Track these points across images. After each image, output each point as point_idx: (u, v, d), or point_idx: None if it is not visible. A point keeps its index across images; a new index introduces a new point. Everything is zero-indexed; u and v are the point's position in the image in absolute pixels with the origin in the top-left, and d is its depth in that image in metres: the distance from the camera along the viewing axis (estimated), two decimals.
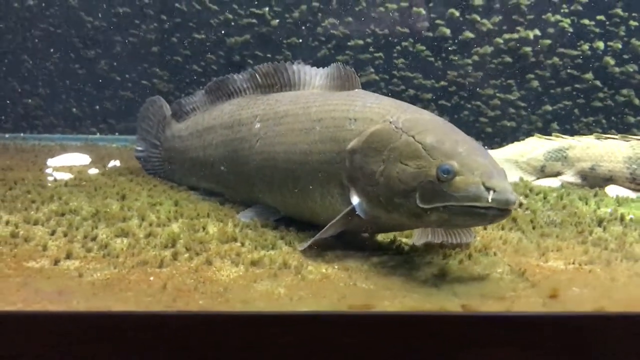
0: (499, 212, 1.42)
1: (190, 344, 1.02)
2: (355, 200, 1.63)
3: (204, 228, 1.86)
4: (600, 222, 2.14)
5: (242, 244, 1.72)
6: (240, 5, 4.14)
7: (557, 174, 3.02)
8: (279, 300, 1.30)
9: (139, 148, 2.82)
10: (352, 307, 1.25)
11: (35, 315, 0.98)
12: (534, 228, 2.03)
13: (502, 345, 1.15)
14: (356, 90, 1.92)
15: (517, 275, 1.54)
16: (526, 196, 2.60)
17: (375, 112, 1.69)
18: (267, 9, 4.14)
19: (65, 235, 1.72)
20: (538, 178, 3.06)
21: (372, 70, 4.18)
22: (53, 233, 1.73)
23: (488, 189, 1.41)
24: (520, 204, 2.41)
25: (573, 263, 1.67)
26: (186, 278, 1.41)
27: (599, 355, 1.08)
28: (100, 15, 4.16)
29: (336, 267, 1.56)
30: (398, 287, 1.42)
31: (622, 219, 2.21)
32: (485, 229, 2.03)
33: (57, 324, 0.96)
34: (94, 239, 1.69)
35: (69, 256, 1.52)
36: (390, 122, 1.62)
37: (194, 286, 1.35)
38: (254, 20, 4.16)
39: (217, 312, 1.06)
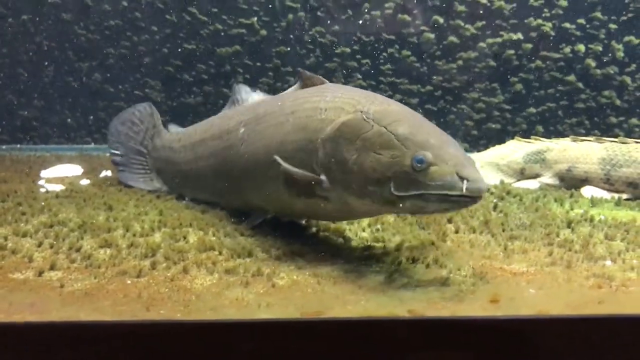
0: (471, 199, 1.53)
1: (158, 351, 1.10)
2: (328, 184, 1.71)
3: (184, 237, 1.94)
4: (569, 224, 2.22)
5: (220, 253, 1.80)
6: (229, 15, 4.23)
7: (536, 175, 3.10)
8: (247, 307, 1.38)
9: (117, 152, 2.77)
10: (316, 313, 1.33)
11: (14, 326, 1.07)
12: (503, 231, 2.11)
13: (453, 348, 1.23)
14: (327, 83, 2.01)
15: (478, 278, 1.63)
16: (502, 199, 2.68)
17: (345, 102, 1.77)
18: (255, 19, 4.22)
19: (51, 246, 1.80)
20: (518, 180, 3.14)
21: (360, 76, 4.27)
22: (40, 245, 1.82)
23: (462, 178, 1.51)
24: (495, 206, 2.49)
25: (535, 265, 1.75)
26: (161, 287, 1.49)
27: (540, 357, 1.16)
28: (92, 28, 4.26)
29: (307, 273, 1.64)
30: (363, 292, 1.50)
31: (591, 220, 2.29)
32: (457, 232, 2.12)
33: (33, 334, 1.05)
34: (78, 250, 1.77)
35: (53, 267, 1.61)
36: (361, 112, 1.69)
37: (168, 295, 1.43)
38: (243, 30, 4.25)
39: (182, 320, 1.14)
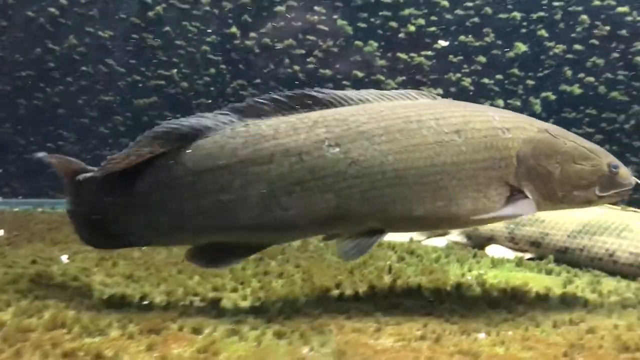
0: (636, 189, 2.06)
1: None
2: (530, 194, 1.96)
3: (39, 311, 1.80)
4: (458, 289, 2.16)
5: (69, 331, 1.66)
6: (148, 67, 4.17)
7: (444, 233, 3.07)
8: None
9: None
10: None
11: None
12: (386, 298, 2.04)
13: None
14: (438, 99, 2.06)
15: (337, 356, 1.53)
16: (402, 259, 2.62)
17: (519, 121, 2.02)
18: (175, 70, 4.17)
19: None
20: (428, 237, 3.10)
21: None
22: None
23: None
24: (390, 269, 2.43)
25: (404, 339, 1.67)
26: None
27: None
28: (3, 79, 4.13)
29: (155, 355, 1.52)
30: None
31: (483, 284, 2.24)
32: (340, 298, 2.03)
33: None
34: None
35: None
36: (546, 130, 2.00)
37: None
38: (162, 82, 4.18)
39: None
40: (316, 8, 4.17)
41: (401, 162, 1.88)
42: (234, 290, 2.12)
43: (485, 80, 4.25)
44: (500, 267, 2.57)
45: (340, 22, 4.19)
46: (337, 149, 1.85)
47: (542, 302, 2.06)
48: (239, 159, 1.83)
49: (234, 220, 1.85)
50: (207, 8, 4.15)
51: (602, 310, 1.97)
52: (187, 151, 1.86)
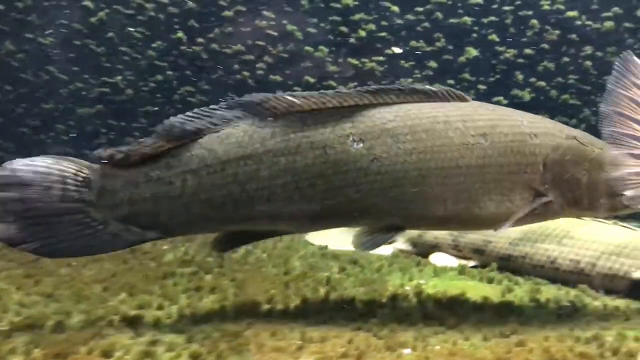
0: None
1: None
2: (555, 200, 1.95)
3: None
4: (394, 300, 2.10)
5: None
6: (91, 74, 4.04)
7: (392, 241, 3.01)
8: None
9: None
10: None
11: None
12: (319, 313, 1.97)
13: None
14: (470, 101, 2.03)
15: None
16: (344, 270, 2.56)
17: (549, 127, 2.00)
18: (120, 77, 4.05)
19: None
20: None
21: None
22: None
23: None
24: (328, 280, 2.36)
25: (325, 357, 1.59)
26: None
27: None
28: None
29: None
30: None
31: (420, 294, 2.19)
32: (270, 314, 1.95)
33: None
34: None
35: None
36: (574, 138, 1.99)
37: None
38: (107, 89, 4.06)
39: None
40: (265, 13, 4.10)
41: (425, 161, 1.90)
42: (160, 307, 2.02)
43: (437, 86, 4.22)
44: (442, 276, 2.52)
45: (289, 27, 4.12)
46: (361, 145, 1.87)
47: (478, 312, 2.01)
48: (267, 149, 1.84)
49: (258, 209, 1.85)
50: (152, 13, 4.05)
51: (536, 321, 1.92)
52: (217, 137, 1.86)
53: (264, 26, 4.12)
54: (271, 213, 1.86)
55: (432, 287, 2.33)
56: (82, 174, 1.83)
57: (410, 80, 4.23)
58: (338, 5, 4.15)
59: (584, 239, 2.43)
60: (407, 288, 2.29)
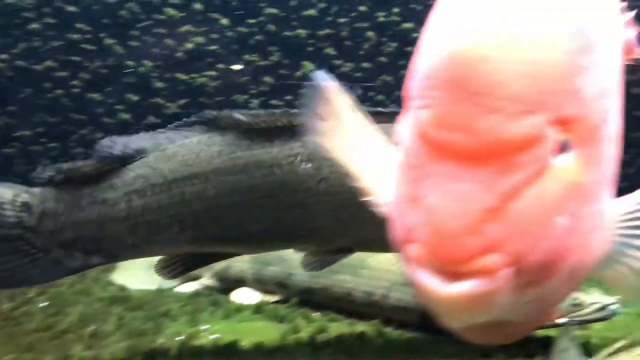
0: None
1: None
2: None
3: None
4: (152, 356, 1.84)
5: None
6: None
7: (198, 276, 2.75)
8: None
9: None
10: None
11: None
12: None
13: None
14: None
15: None
16: (122, 318, 2.26)
17: None
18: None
19: None
20: (181, 283, 2.76)
21: None
22: None
23: None
24: (94, 334, 2.06)
25: None
26: None
27: None
28: None
29: None
30: None
31: (188, 346, 1.94)
32: None
33: None
34: None
35: None
36: None
37: None
38: None
39: None
40: (78, 25, 3.72)
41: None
42: None
43: (274, 102, 4.03)
44: (232, 318, 2.29)
45: (108, 40, 3.77)
46: (309, 165, 1.79)
47: None
48: (214, 167, 1.75)
49: (205, 231, 1.76)
50: None
51: None
52: (163, 155, 1.78)
53: (78, 39, 3.75)
54: (219, 235, 1.78)
55: (212, 333, 2.09)
56: (21, 199, 1.73)
57: (246, 96, 4.01)
58: (162, 17, 3.85)
59: (378, 268, 2.28)
60: (180, 338, 2.03)
